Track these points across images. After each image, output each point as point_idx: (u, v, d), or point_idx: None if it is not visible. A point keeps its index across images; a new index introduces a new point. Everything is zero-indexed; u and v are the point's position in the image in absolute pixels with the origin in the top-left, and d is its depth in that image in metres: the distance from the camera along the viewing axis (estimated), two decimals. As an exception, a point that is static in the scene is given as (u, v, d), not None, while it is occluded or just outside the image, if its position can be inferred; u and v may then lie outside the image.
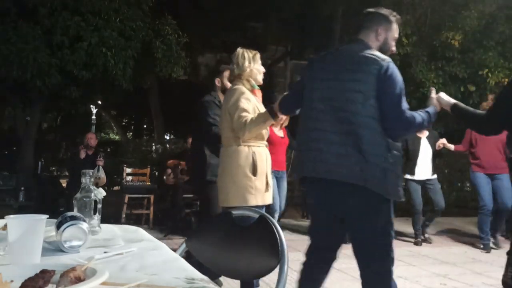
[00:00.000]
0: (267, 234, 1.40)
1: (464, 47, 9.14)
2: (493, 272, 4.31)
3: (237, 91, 2.84)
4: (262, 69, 2.99)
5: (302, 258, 2.57)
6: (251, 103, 2.82)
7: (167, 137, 15.03)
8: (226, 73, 3.52)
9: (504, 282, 3.22)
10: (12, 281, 0.84)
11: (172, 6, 10.43)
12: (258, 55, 2.98)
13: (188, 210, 6.56)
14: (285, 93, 2.88)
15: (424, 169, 5.73)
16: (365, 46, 2.30)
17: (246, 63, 2.91)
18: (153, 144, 9.78)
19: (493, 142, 5.35)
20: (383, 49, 2.36)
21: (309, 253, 2.54)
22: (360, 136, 2.14)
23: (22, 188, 7.04)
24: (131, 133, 20.17)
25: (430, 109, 2.41)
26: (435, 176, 5.80)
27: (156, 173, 8.37)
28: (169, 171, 6.80)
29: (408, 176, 5.70)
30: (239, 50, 2.96)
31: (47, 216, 1.14)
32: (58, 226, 1.24)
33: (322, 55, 2.49)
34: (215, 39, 13.31)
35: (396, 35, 2.45)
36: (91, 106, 15.49)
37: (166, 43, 8.00)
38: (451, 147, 5.61)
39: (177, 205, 6.63)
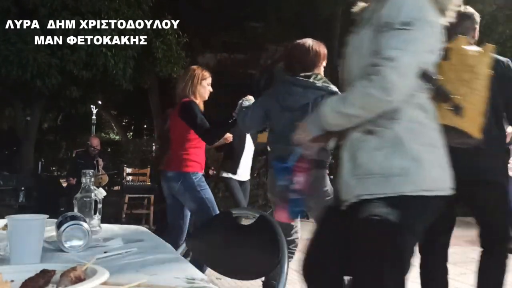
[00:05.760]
0: (267, 234, 1.40)
1: (464, 47, 9.13)
2: (493, 272, 4.30)
3: None
4: None
5: (302, 258, 2.56)
6: None
7: (167, 137, 15.02)
8: None
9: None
10: (12, 281, 0.84)
11: (172, 6, 10.43)
12: None
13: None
14: None
15: (246, 169, 4.85)
16: None
17: None
18: (153, 144, 9.75)
19: None
20: None
21: None
22: None
23: (22, 188, 7.03)
24: (131, 133, 20.13)
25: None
26: (249, 177, 5.00)
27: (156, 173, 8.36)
28: None
29: (229, 175, 4.73)
30: None
31: (47, 216, 1.14)
32: (59, 226, 1.24)
33: None
34: (215, 39, 13.29)
35: None
36: (91, 106, 15.44)
37: (166, 43, 8.00)
38: None
39: (177, 205, 6.61)
